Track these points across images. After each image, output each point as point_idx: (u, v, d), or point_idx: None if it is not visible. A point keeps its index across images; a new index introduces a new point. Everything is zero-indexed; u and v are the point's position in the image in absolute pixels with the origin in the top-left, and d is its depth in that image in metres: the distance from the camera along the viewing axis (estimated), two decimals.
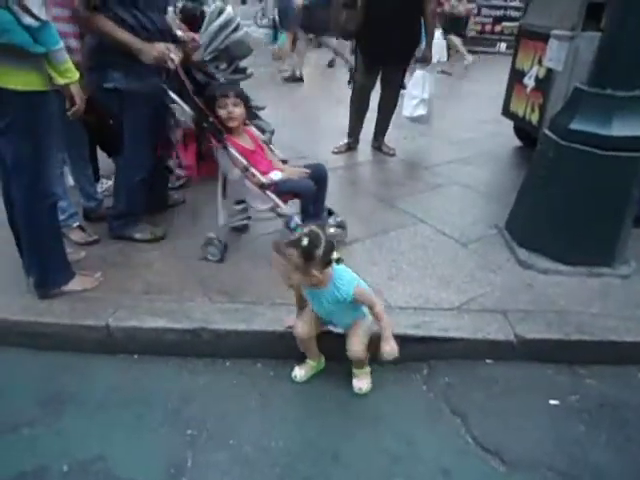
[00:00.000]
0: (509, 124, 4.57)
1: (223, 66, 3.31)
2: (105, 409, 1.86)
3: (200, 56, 3.16)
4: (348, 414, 1.87)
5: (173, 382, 1.99)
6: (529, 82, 3.85)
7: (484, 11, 11.71)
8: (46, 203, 2.11)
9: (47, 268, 2.22)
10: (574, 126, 2.46)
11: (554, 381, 2.03)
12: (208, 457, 1.68)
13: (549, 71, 3.55)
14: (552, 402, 1.93)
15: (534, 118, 3.80)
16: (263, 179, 2.41)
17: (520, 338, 2.10)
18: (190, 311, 2.18)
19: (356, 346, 1.89)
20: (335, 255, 1.74)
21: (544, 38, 3.57)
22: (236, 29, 3.15)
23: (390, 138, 4.43)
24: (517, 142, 4.64)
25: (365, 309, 1.90)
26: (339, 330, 1.98)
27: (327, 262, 1.71)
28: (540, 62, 3.69)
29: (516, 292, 2.39)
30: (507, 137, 4.67)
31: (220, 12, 3.15)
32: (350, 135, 4.37)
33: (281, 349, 2.07)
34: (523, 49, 4.06)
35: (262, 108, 3.68)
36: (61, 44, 1.87)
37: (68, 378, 2.00)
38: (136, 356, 2.12)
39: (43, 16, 1.76)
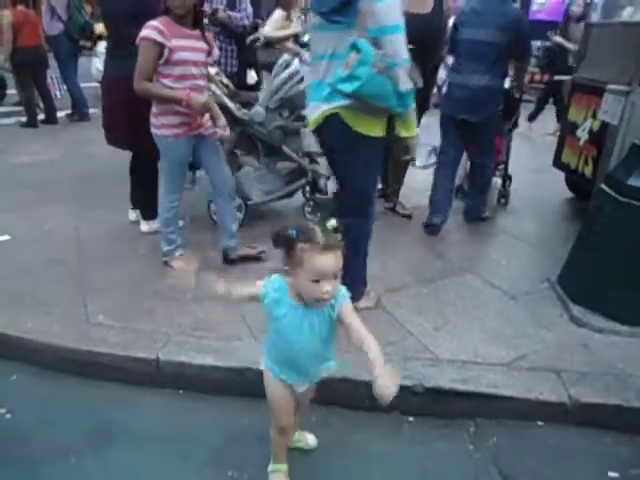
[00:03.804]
0: (559, 174, 4.49)
1: (286, 114, 3.48)
2: (151, 443, 1.88)
3: (265, 104, 3.34)
4: (393, 470, 1.81)
5: (217, 421, 2.00)
6: (582, 135, 3.80)
7: (532, 61, 11.79)
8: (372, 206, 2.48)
9: None
10: (633, 182, 2.41)
11: (613, 451, 1.90)
12: None
13: (603, 124, 3.51)
14: (611, 474, 1.80)
15: (587, 171, 3.73)
16: None
17: (575, 401, 1.99)
18: (236, 350, 2.21)
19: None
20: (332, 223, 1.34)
21: (598, 92, 3.55)
22: (300, 81, 3.32)
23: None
24: (568, 193, 4.54)
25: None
26: (304, 389, 1.59)
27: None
28: (594, 115, 3.65)
29: (570, 351, 2.29)
30: (557, 188, 4.58)
31: (287, 65, 3.34)
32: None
33: (324, 394, 2.04)
34: (576, 102, 4.03)
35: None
36: (413, 106, 2.21)
37: (116, 409, 2.05)
38: (182, 391, 2.15)
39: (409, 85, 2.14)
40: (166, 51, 2.48)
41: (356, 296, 2.30)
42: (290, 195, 3.76)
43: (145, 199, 3.39)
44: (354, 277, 2.36)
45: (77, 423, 1.98)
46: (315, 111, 2.29)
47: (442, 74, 4.39)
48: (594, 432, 1.98)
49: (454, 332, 2.42)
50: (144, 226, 3.40)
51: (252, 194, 3.56)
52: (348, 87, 2.06)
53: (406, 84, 2.11)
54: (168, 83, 2.57)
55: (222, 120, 2.79)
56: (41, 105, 6.96)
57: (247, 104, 3.58)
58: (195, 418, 2.01)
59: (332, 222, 1.32)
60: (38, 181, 4.50)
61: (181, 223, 3.51)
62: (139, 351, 2.18)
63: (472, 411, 2.04)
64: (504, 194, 4.32)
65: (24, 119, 6.66)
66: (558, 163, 4.33)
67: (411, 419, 2.03)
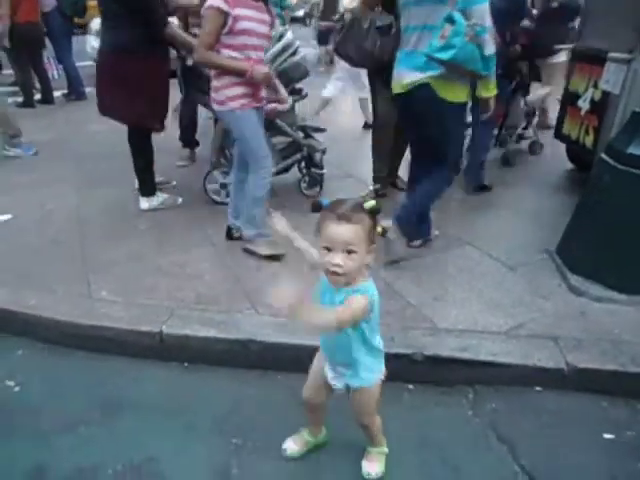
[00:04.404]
0: (559, 145, 4.47)
1: None
2: (157, 414, 1.93)
3: None
4: (393, 436, 1.85)
5: (221, 392, 2.04)
6: (584, 105, 3.76)
7: None
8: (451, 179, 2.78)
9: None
10: (632, 150, 2.39)
11: (609, 414, 1.95)
12: (252, 467, 1.72)
13: (605, 94, 3.47)
14: (607, 436, 1.85)
15: (588, 141, 3.70)
16: None
17: (572, 367, 2.03)
18: (239, 322, 2.24)
19: (365, 410, 1.59)
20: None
21: (600, 61, 3.50)
22: (294, 53, 3.27)
23: None
24: (568, 165, 4.52)
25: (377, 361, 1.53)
26: (339, 385, 1.57)
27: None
28: (596, 85, 3.61)
29: (568, 319, 2.32)
30: (558, 159, 4.57)
31: (280, 37, 3.28)
32: (375, 180, 3.84)
33: None
34: (578, 72, 3.97)
35: (323, 130, 3.77)
36: (494, 69, 2.47)
37: (122, 382, 2.09)
38: (186, 364, 2.19)
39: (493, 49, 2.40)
40: (230, 20, 2.42)
41: (411, 235, 2.82)
42: (286, 170, 3.74)
43: (142, 176, 3.39)
44: (408, 219, 2.73)
45: (84, 395, 2.02)
46: (406, 77, 2.52)
47: None
48: (591, 396, 2.02)
49: (453, 302, 2.44)
50: (144, 203, 3.40)
51: None
52: (444, 55, 2.29)
53: (491, 48, 2.37)
54: (229, 53, 2.50)
55: (282, 92, 2.72)
56: (37, 85, 6.87)
57: None
58: (199, 390, 2.06)
59: (371, 202, 1.31)
60: (37, 161, 4.49)
61: (180, 200, 3.54)
62: (143, 325, 2.22)
63: (471, 378, 2.08)
64: (507, 158, 4.48)
65: (20, 99, 6.59)
66: (559, 135, 4.29)
67: (411, 387, 2.07)
